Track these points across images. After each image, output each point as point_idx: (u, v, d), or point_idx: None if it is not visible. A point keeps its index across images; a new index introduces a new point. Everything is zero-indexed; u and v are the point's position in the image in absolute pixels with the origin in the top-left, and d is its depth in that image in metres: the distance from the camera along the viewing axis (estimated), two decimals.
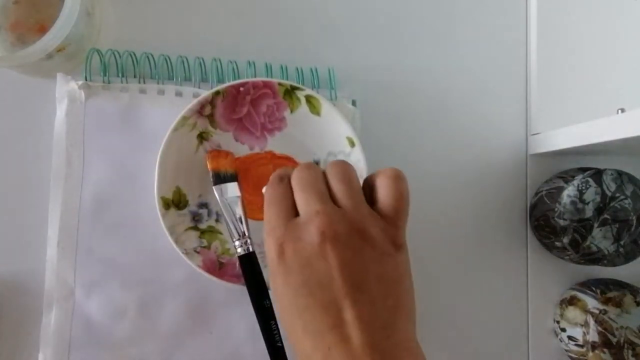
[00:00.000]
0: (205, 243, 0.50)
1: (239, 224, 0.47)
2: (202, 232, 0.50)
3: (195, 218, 0.50)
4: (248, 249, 0.46)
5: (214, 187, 0.48)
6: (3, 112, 0.52)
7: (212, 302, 0.51)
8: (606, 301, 0.52)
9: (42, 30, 0.47)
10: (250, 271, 0.46)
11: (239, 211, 0.47)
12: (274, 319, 0.45)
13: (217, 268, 0.48)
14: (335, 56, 0.56)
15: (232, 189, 0.48)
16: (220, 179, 0.48)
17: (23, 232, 0.51)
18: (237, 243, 0.47)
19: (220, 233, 0.51)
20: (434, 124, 0.57)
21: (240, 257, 0.46)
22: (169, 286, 0.50)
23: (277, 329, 0.44)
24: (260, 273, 0.46)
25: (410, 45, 0.58)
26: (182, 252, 0.47)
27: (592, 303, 0.52)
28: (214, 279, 0.48)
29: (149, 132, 0.50)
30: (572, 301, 0.54)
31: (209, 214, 0.51)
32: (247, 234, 0.47)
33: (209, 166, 0.49)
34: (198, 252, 0.48)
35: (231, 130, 0.51)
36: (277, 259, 0.35)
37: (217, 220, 0.51)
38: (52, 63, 0.50)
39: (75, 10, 0.47)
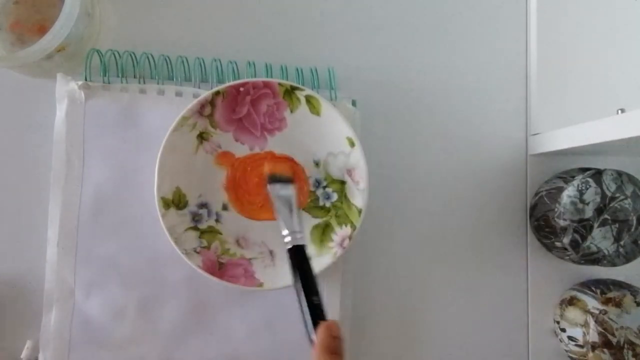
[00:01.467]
0: (205, 243, 0.49)
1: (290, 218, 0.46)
2: (202, 233, 0.50)
3: (195, 218, 0.50)
4: (297, 241, 0.44)
5: (269, 186, 0.49)
6: (3, 112, 0.52)
7: (212, 302, 0.51)
8: (606, 301, 0.52)
9: (42, 30, 0.47)
10: (299, 263, 0.44)
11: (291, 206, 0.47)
12: (324, 318, 0.41)
13: (217, 268, 0.48)
14: (335, 56, 0.56)
15: (286, 189, 0.48)
16: (275, 179, 0.49)
17: (23, 232, 0.51)
18: (287, 237, 0.45)
19: (220, 233, 0.51)
20: (434, 124, 0.57)
21: (290, 250, 0.44)
22: (169, 286, 0.50)
23: None
24: (310, 266, 0.44)
25: (410, 45, 0.58)
26: (182, 252, 0.47)
27: (592, 303, 0.52)
28: (214, 279, 0.48)
29: (149, 132, 0.50)
30: (572, 301, 0.54)
31: (209, 214, 0.51)
32: (297, 228, 0.45)
33: (266, 169, 0.50)
34: (198, 252, 0.48)
35: (231, 130, 0.51)
36: None
37: (217, 221, 0.51)
38: (52, 63, 0.50)
39: (75, 11, 0.47)
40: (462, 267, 0.57)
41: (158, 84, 0.51)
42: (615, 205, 0.50)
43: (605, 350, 0.50)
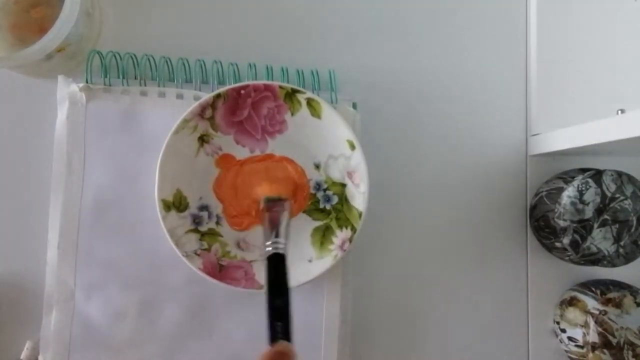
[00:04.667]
0: (205, 245, 0.49)
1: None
2: (203, 235, 0.50)
3: (196, 220, 0.50)
4: (279, 250, 0.43)
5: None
6: (3, 113, 0.52)
7: (212, 305, 0.51)
8: (606, 302, 0.52)
9: (42, 30, 0.47)
10: (275, 269, 0.43)
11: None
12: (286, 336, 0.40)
13: (217, 271, 0.48)
14: (336, 58, 0.56)
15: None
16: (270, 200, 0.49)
17: (23, 234, 0.51)
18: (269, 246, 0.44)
19: (221, 236, 0.51)
20: (434, 125, 0.57)
21: (269, 257, 0.43)
22: (169, 289, 0.50)
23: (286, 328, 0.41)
24: (285, 274, 0.42)
25: (410, 47, 0.58)
26: (183, 255, 0.47)
27: (592, 304, 0.52)
28: (215, 281, 0.48)
29: (150, 135, 0.50)
30: (572, 302, 0.54)
31: (210, 217, 0.51)
32: (282, 240, 0.44)
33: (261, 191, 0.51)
34: (198, 255, 0.48)
35: (232, 133, 0.51)
36: None
37: (217, 223, 0.51)
38: (52, 63, 0.50)
39: (75, 11, 0.47)
40: (462, 267, 0.57)
41: (159, 85, 0.51)
42: (615, 205, 0.50)
43: (605, 350, 0.50)
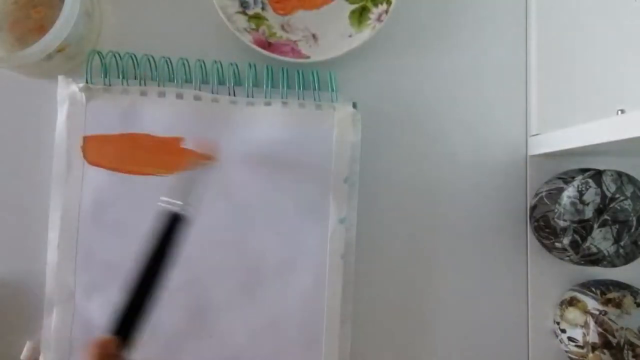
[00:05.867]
0: (253, 26, 0.53)
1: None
2: (250, 17, 0.54)
3: (243, 5, 0.54)
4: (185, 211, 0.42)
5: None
6: (3, 114, 0.52)
7: (212, 305, 0.51)
8: (606, 302, 0.52)
9: (42, 30, 0.47)
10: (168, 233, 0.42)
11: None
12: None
13: (266, 46, 0.52)
14: (336, 58, 0.56)
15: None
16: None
17: (24, 234, 0.51)
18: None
19: (267, 20, 0.54)
20: (434, 125, 0.57)
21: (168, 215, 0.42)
22: (169, 289, 0.50)
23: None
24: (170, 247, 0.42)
25: (410, 46, 0.58)
26: (235, 30, 0.51)
27: (592, 304, 0.52)
28: (265, 52, 0.51)
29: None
30: (572, 302, 0.54)
31: (255, 3, 0.55)
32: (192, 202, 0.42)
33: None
34: (248, 32, 0.52)
35: None
36: None
37: (262, 9, 0.55)
38: (52, 64, 0.50)
39: (75, 11, 0.47)
40: (463, 267, 0.57)
41: (159, 85, 0.51)
42: (615, 205, 0.50)
43: (605, 351, 0.50)
